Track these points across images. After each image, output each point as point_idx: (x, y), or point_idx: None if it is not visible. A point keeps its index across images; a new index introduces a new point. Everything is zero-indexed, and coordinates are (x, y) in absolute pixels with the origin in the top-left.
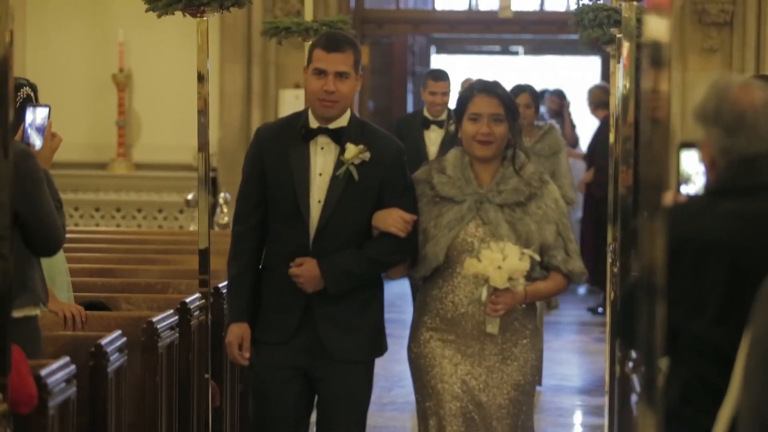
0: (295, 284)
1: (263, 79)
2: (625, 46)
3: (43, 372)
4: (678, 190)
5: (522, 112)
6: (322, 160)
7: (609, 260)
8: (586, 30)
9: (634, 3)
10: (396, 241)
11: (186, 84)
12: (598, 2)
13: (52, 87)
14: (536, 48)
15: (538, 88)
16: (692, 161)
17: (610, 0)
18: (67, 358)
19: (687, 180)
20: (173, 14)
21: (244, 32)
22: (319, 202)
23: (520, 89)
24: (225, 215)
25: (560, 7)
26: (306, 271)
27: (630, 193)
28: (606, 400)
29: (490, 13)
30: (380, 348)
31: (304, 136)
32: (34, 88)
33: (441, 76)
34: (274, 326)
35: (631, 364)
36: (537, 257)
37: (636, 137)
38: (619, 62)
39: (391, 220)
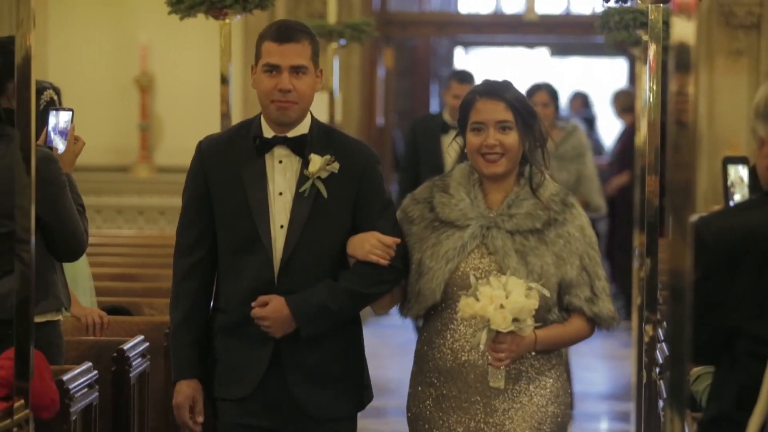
0: (259, 328)
1: None
2: (652, 49)
3: (66, 377)
4: (727, 205)
5: (540, 111)
6: (281, 177)
7: (636, 265)
8: (612, 32)
9: (661, 5)
10: (377, 270)
11: (209, 87)
12: (624, 5)
13: (74, 90)
14: (562, 50)
15: (567, 91)
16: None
17: (636, 2)
18: (89, 364)
19: (733, 193)
20: (195, 17)
21: None
22: (282, 227)
23: (536, 87)
24: None
25: (586, 10)
26: (273, 311)
27: (656, 197)
28: (633, 405)
29: (515, 16)
30: (363, 400)
31: (258, 148)
32: (57, 91)
33: (466, 77)
34: (235, 379)
35: (657, 370)
36: (546, 292)
37: (663, 141)
38: (645, 65)
39: (369, 246)
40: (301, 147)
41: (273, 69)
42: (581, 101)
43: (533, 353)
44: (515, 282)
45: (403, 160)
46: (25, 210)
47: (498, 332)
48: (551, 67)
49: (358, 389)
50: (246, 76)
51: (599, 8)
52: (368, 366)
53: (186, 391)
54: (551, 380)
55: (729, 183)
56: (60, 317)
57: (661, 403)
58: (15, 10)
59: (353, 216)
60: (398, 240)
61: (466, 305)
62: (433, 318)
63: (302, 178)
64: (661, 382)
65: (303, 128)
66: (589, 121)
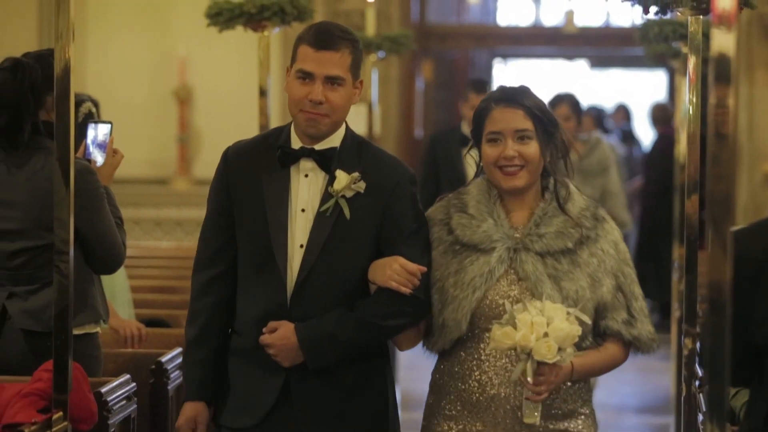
0: (270, 356)
1: None
2: (691, 61)
3: (104, 389)
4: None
5: (561, 125)
6: (305, 192)
7: (675, 277)
8: (651, 44)
9: (700, 17)
10: (397, 300)
11: (247, 99)
12: (664, 17)
13: (113, 103)
14: (601, 62)
15: (608, 103)
16: None
17: (676, 14)
18: (127, 376)
19: None
20: (234, 29)
21: None
22: (302, 246)
23: (558, 99)
24: None
25: (625, 22)
26: (280, 338)
27: (696, 209)
28: (673, 419)
29: (554, 29)
30: None
31: (281, 159)
32: (95, 103)
33: (483, 87)
34: (243, 408)
35: (697, 383)
36: (586, 318)
37: (702, 153)
38: (684, 77)
39: (391, 271)
40: (328, 161)
41: (306, 76)
42: (623, 113)
43: (567, 384)
44: (554, 307)
45: (420, 176)
46: (64, 222)
47: (540, 363)
48: (591, 79)
49: (379, 429)
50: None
51: (639, 20)
52: (405, 378)
53: (189, 413)
54: (583, 415)
55: None
56: (98, 329)
57: (700, 417)
58: (54, 23)
59: (378, 240)
60: (424, 268)
61: (503, 335)
62: (455, 348)
63: (326, 196)
64: (701, 395)
65: (334, 141)
66: (628, 134)
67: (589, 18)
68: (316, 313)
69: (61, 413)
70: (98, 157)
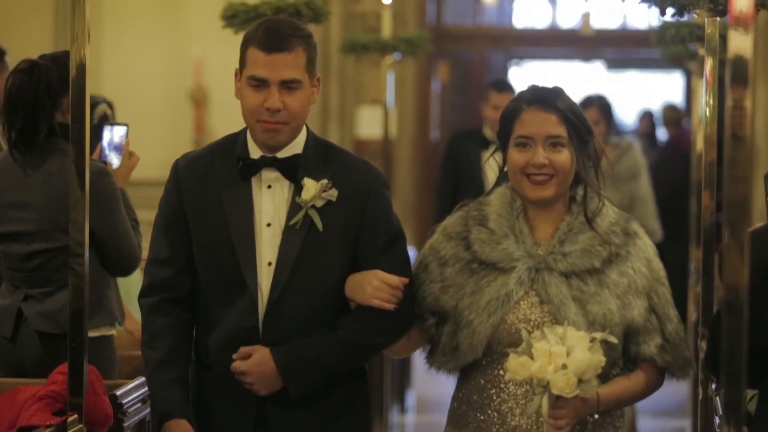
0: (242, 385)
1: (341, 96)
2: (708, 63)
3: (119, 392)
4: None
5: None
6: (270, 205)
7: (691, 280)
8: (668, 46)
9: (717, 19)
10: (382, 317)
11: None
12: (681, 19)
13: (128, 105)
14: (619, 64)
15: (626, 105)
16: None
17: (692, 16)
18: (142, 378)
19: None
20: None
21: (321, 49)
22: (270, 264)
23: (587, 101)
24: None
25: (642, 24)
26: (256, 365)
27: (712, 212)
28: (689, 422)
29: (571, 31)
30: None
31: (242, 170)
32: (110, 105)
33: (506, 86)
34: None
35: (714, 386)
36: (614, 339)
37: (719, 155)
38: (701, 78)
39: (372, 288)
40: (293, 170)
41: (260, 83)
42: (648, 120)
43: (595, 416)
44: (575, 334)
45: (439, 183)
46: (79, 224)
47: (559, 397)
48: (608, 80)
49: None
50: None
51: (655, 22)
52: (421, 381)
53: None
54: None
55: None
56: (113, 332)
57: (717, 420)
58: (70, 25)
59: (354, 251)
60: (406, 280)
61: (519, 366)
62: (473, 373)
63: (294, 207)
64: (717, 398)
65: (296, 147)
66: (651, 137)
67: (605, 20)
68: (291, 335)
69: (76, 416)
70: (114, 160)
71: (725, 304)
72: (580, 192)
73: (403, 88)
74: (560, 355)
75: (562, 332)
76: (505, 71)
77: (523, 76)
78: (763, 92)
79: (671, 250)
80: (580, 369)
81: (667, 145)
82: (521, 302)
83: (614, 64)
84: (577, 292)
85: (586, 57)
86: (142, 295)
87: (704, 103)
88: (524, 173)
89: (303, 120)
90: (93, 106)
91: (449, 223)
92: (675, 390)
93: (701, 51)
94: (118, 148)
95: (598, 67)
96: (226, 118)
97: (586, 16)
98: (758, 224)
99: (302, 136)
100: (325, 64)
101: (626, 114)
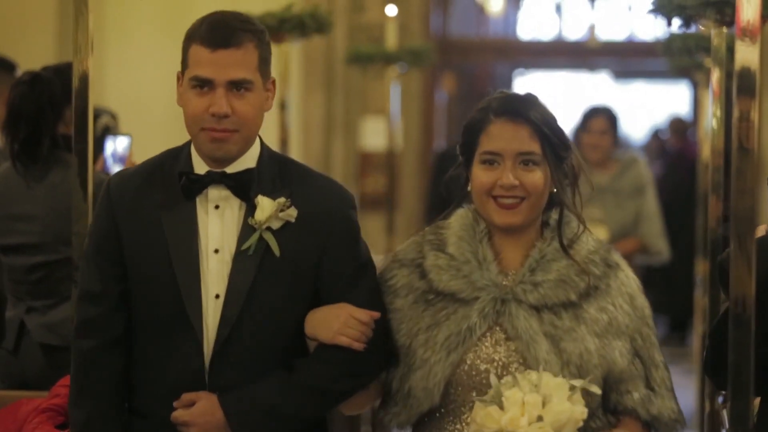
0: None
1: (345, 108)
2: (715, 74)
3: None
4: None
5: (596, 141)
6: (218, 227)
7: (697, 292)
8: (674, 57)
9: (724, 30)
10: (349, 358)
11: (267, 113)
12: (688, 30)
13: (132, 116)
14: (625, 74)
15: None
16: None
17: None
18: None
19: None
20: None
21: (326, 60)
22: (218, 296)
23: (594, 111)
24: None
25: (649, 36)
26: (201, 414)
27: (719, 224)
28: None
29: (577, 44)
30: None
31: (185, 188)
32: (114, 117)
33: None
34: None
35: (721, 399)
36: (596, 389)
37: (726, 167)
38: (708, 90)
39: (338, 324)
40: (244, 186)
41: (204, 84)
42: (657, 139)
43: None
44: (553, 381)
45: (429, 202)
46: (82, 236)
47: None
48: (614, 91)
49: None
50: (307, 103)
51: (662, 34)
52: None
53: None
54: None
55: None
56: None
57: None
58: (73, 36)
59: (317, 282)
60: (377, 314)
61: (486, 417)
62: (427, 426)
63: (246, 230)
64: (724, 412)
65: (248, 161)
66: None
67: (612, 32)
68: (242, 380)
69: None
70: None
71: (732, 316)
72: (554, 216)
73: (408, 99)
74: (535, 405)
75: (536, 378)
76: (510, 82)
77: (529, 87)
78: None
79: (672, 264)
80: (558, 422)
81: (673, 156)
82: (485, 338)
83: (620, 75)
84: (550, 328)
85: (592, 67)
86: (74, 336)
87: (711, 115)
88: (490, 195)
89: (256, 128)
90: (96, 117)
91: (401, 249)
92: (681, 402)
93: (707, 62)
94: (121, 160)
95: (604, 78)
96: None
97: (592, 29)
98: (760, 231)
99: (255, 148)
100: (329, 75)
101: (632, 126)
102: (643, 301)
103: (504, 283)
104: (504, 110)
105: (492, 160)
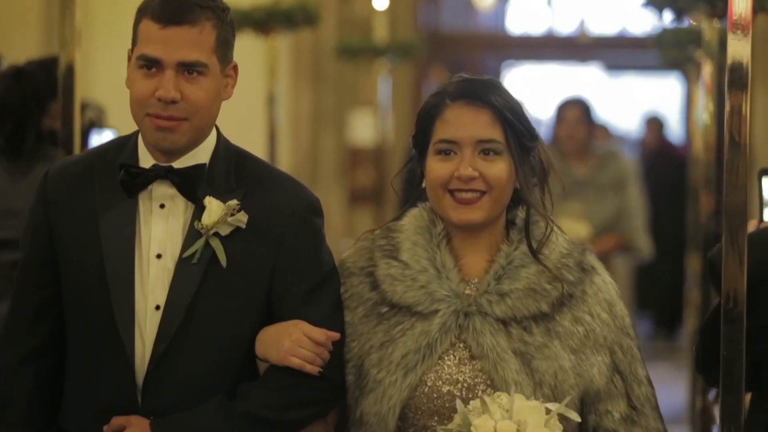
0: None
1: (335, 101)
2: (707, 68)
3: None
4: (761, 219)
5: (570, 130)
6: (161, 229)
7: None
8: (666, 51)
9: (716, 23)
10: (299, 383)
11: (255, 107)
12: (680, 25)
13: (118, 109)
14: (616, 66)
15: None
16: None
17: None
18: None
19: None
20: (242, 36)
21: (315, 53)
22: (158, 308)
23: (567, 102)
24: None
25: (640, 30)
26: None
27: (711, 219)
28: (687, 431)
29: (568, 39)
30: None
31: (126, 183)
32: (100, 110)
33: None
34: None
35: (712, 395)
36: (575, 416)
37: (718, 161)
38: (698, 84)
39: (290, 343)
40: (193, 184)
41: (152, 64)
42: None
43: None
44: (526, 405)
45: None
46: None
47: None
48: (605, 84)
49: None
50: (296, 96)
51: (654, 27)
52: None
53: None
54: None
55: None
56: None
57: (715, 429)
58: (59, 30)
59: (269, 296)
60: (336, 335)
61: None
62: None
63: (192, 234)
64: (716, 407)
65: (200, 155)
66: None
67: (603, 26)
68: (179, 404)
69: None
70: None
71: (724, 312)
72: (521, 214)
73: (398, 93)
74: (507, 431)
75: (507, 401)
76: (499, 75)
77: (519, 79)
78: (762, 99)
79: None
80: None
81: (652, 155)
82: (446, 357)
83: (612, 67)
84: (519, 344)
85: (583, 59)
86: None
87: (701, 109)
88: (447, 189)
89: (210, 118)
90: (82, 111)
91: (349, 256)
92: (672, 397)
93: (697, 55)
94: None
95: (594, 70)
96: (218, 123)
97: (583, 24)
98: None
99: (210, 141)
100: (318, 69)
101: (623, 118)
102: (622, 309)
103: (467, 292)
104: (461, 94)
105: (448, 149)
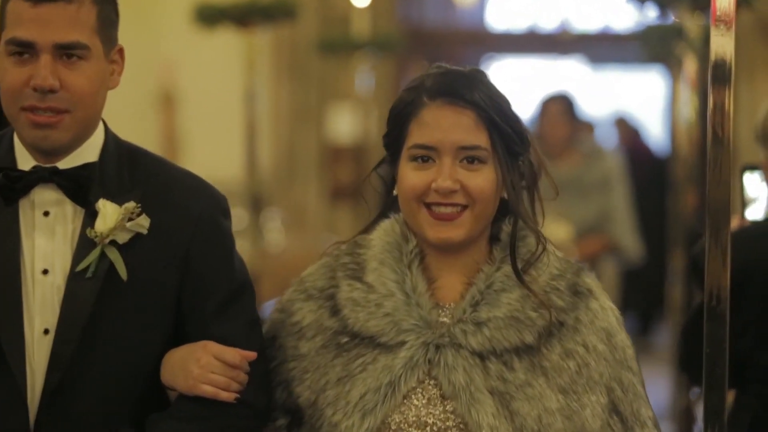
0: None
1: (315, 97)
2: (691, 64)
3: None
4: (743, 215)
5: (552, 126)
6: (47, 241)
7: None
8: (650, 46)
9: (701, 20)
10: (213, 411)
11: (234, 103)
12: (665, 22)
13: None
14: (599, 61)
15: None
16: (756, 184)
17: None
18: None
19: (751, 204)
20: (221, 32)
21: (295, 48)
22: (47, 332)
23: (549, 98)
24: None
25: (623, 26)
26: None
27: (695, 216)
28: (671, 429)
29: (550, 36)
30: None
31: (4, 189)
32: None
33: None
34: None
35: (694, 394)
36: None
37: (702, 157)
38: (681, 79)
39: (199, 369)
40: (82, 187)
41: (24, 49)
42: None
43: None
44: None
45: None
46: None
47: None
48: (588, 78)
49: None
50: (276, 92)
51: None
52: None
53: None
54: None
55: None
56: None
57: (697, 428)
58: None
59: (177, 312)
60: (252, 354)
61: None
62: None
63: (85, 244)
64: (697, 406)
65: (88, 153)
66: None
67: (586, 22)
68: None
69: None
70: None
71: (707, 309)
72: (506, 228)
73: (378, 88)
74: None
75: None
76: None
77: (500, 73)
78: (746, 95)
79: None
80: None
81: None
82: (413, 396)
83: (596, 60)
84: (498, 382)
85: (565, 53)
86: None
87: (685, 104)
88: (422, 202)
89: (96, 110)
90: None
91: (308, 274)
92: (656, 395)
93: (678, 51)
94: None
95: (576, 65)
96: (196, 120)
97: (565, 21)
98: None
99: (98, 137)
100: (298, 64)
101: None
102: (623, 339)
103: (442, 320)
104: (441, 91)
105: (425, 156)
